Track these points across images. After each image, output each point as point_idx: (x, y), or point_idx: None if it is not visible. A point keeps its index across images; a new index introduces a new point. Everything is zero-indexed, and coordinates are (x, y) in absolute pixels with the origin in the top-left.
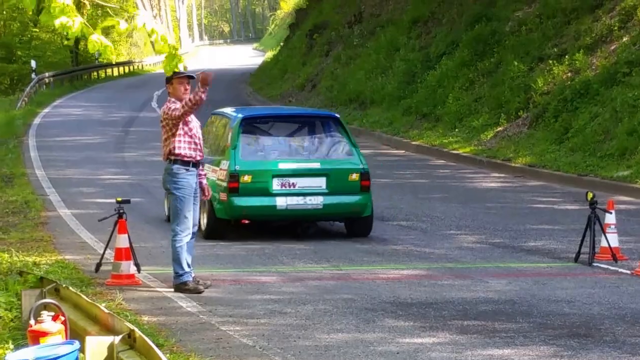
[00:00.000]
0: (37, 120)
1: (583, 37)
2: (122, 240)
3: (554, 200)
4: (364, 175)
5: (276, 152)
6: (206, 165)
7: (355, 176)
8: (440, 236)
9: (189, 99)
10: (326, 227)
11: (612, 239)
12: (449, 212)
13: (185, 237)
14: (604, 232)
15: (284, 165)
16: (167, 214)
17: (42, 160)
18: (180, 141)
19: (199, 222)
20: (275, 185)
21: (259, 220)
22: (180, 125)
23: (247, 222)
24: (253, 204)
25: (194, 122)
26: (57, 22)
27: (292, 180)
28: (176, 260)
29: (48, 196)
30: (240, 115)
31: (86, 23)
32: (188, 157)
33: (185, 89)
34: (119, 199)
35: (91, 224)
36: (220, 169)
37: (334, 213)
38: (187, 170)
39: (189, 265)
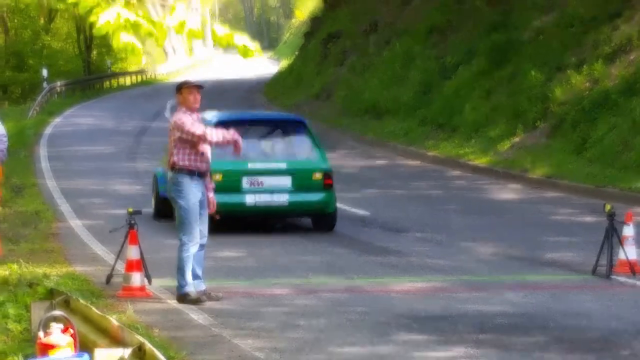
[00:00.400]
0: (48, 130)
1: (602, 46)
2: (133, 252)
3: (572, 212)
4: (327, 174)
5: (246, 153)
6: None
7: (318, 175)
8: (456, 248)
9: (221, 137)
10: (338, 238)
11: (630, 252)
12: (464, 223)
13: (192, 247)
14: (622, 245)
15: (252, 165)
16: (152, 210)
17: (53, 170)
18: (185, 151)
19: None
20: (245, 183)
21: (230, 216)
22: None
23: (218, 217)
24: (224, 200)
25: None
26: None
27: (260, 179)
28: (180, 270)
29: (59, 207)
30: (214, 119)
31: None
32: (192, 167)
33: (195, 99)
34: (130, 210)
35: (102, 235)
36: None
37: (299, 210)
38: (191, 179)
39: (200, 277)
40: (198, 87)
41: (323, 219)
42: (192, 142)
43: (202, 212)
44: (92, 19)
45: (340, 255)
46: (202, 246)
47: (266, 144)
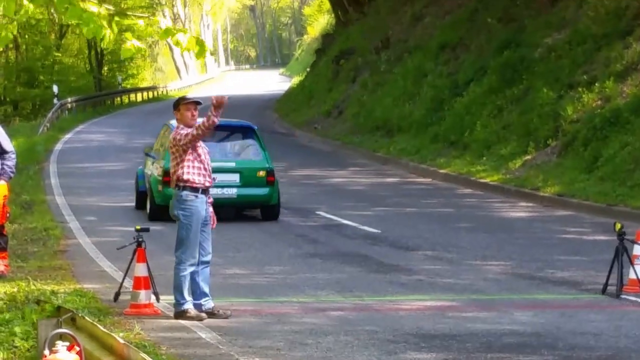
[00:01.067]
0: (58, 146)
1: (613, 64)
2: (140, 269)
3: (583, 230)
4: (269, 172)
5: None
6: (154, 164)
7: (262, 173)
8: (466, 266)
9: (203, 123)
10: (348, 257)
11: None
12: (475, 242)
13: (189, 266)
14: (632, 264)
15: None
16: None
17: (63, 187)
18: (189, 167)
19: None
20: None
21: None
22: (190, 151)
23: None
24: None
25: (202, 147)
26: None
27: (213, 175)
28: (178, 288)
29: (68, 224)
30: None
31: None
32: (197, 184)
33: (193, 115)
34: (138, 227)
35: (111, 252)
36: (159, 167)
37: (246, 202)
38: (196, 197)
39: (207, 294)
40: (195, 103)
41: (268, 210)
42: (195, 156)
43: (205, 229)
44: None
45: (349, 273)
46: (207, 263)
47: (220, 146)
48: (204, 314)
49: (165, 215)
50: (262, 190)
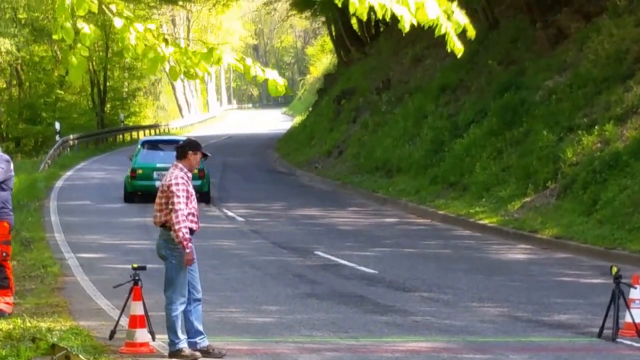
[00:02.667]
0: (59, 183)
1: (614, 107)
2: (137, 308)
3: (580, 273)
4: (201, 170)
5: (157, 157)
6: (129, 167)
7: (196, 171)
8: (463, 308)
9: (181, 236)
10: (344, 297)
11: (637, 315)
12: (472, 283)
13: (180, 305)
14: (629, 308)
15: (159, 165)
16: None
17: (63, 224)
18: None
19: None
20: (155, 175)
21: (145, 193)
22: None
23: (140, 193)
24: (143, 184)
25: (193, 194)
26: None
27: (163, 172)
28: (171, 328)
29: (67, 261)
30: (142, 139)
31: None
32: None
33: (198, 163)
34: (135, 266)
35: (108, 290)
36: (129, 168)
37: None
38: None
39: (202, 332)
40: (205, 156)
41: (202, 195)
42: (186, 202)
43: (193, 268)
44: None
45: (345, 313)
46: (199, 301)
47: (168, 154)
48: (198, 353)
49: (135, 198)
50: (197, 182)
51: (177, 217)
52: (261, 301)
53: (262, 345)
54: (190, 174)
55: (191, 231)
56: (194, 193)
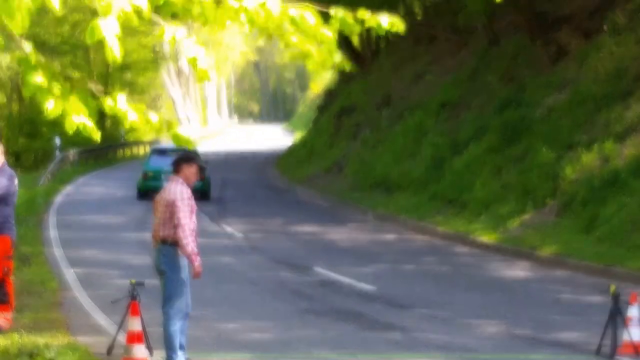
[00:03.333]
0: (58, 198)
1: (613, 125)
2: (134, 323)
3: (579, 291)
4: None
5: (164, 163)
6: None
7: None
8: (461, 325)
9: (190, 250)
10: (342, 314)
11: (635, 333)
12: (471, 301)
13: (179, 320)
14: (627, 326)
15: (166, 168)
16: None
17: (62, 239)
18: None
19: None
20: (162, 177)
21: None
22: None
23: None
24: (152, 184)
25: (195, 211)
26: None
27: (170, 174)
28: (169, 345)
29: (65, 276)
30: (152, 147)
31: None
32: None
33: (197, 178)
34: (133, 281)
35: (107, 305)
36: (141, 171)
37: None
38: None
39: (183, 347)
40: (202, 169)
41: (202, 193)
42: (190, 221)
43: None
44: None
45: (343, 330)
46: (186, 315)
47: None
48: None
49: (145, 196)
50: (198, 184)
51: (183, 231)
52: (259, 317)
53: None
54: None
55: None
56: (196, 208)
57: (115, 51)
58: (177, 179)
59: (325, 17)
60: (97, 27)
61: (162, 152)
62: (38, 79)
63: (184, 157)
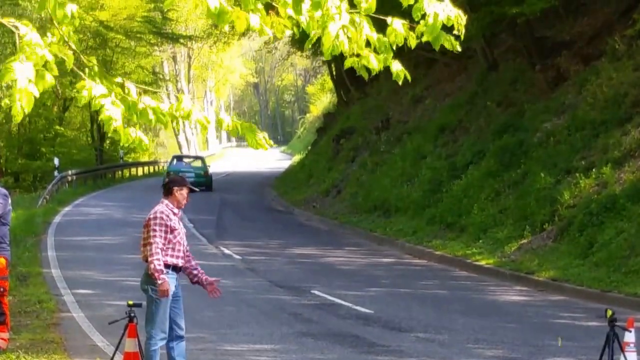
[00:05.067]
0: (57, 219)
1: (611, 150)
2: (131, 345)
3: (576, 316)
4: (206, 172)
5: (181, 165)
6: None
7: (203, 172)
8: (457, 349)
9: (153, 268)
10: (340, 337)
11: (631, 358)
12: (468, 324)
13: (160, 340)
14: (623, 351)
15: (183, 169)
16: None
17: (59, 259)
18: (167, 248)
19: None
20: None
21: None
22: (167, 236)
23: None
24: None
25: (180, 228)
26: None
27: (186, 174)
28: None
29: (62, 297)
30: (173, 155)
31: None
32: (169, 262)
33: (186, 200)
34: (130, 303)
35: (103, 326)
36: (166, 171)
37: (198, 183)
38: (166, 273)
39: None
40: (193, 191)
41: (206, 186)
42: (169, 238)
43: (176, 305)
44: (101, 117)
45: (340, 353)
46: (181, 338)
47: (189, 164)
48: None
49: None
50: (202, 179)
51: (151, 249)
52: (257, 339)
53: None
54: (177, 210)
55: (176, 267)
56: (179, 228)
57: (23, 102)
58: (162, 201)
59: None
60: (11, 70)
61: (180, 158)
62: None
63: (174, 180)
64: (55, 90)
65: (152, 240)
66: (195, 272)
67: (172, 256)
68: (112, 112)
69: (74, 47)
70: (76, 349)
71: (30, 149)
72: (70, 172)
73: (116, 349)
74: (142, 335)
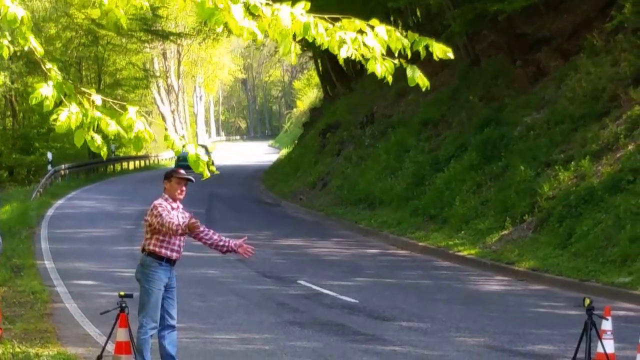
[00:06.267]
0: (50, 212)
1: (589, 144)
2: (122, 334)
3: (555, 304)
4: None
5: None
6: None
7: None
8: (440, 338)
9: (188, 226)
10: (325, 325)
11: (608, 346)
12: (451, 313)
13: (150, 329)
14: (600, 339)
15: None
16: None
17: (53, 251)
18: (162, 241)
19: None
20: (186, 160)
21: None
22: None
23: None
24: (180, 164)
25: (179, 222)
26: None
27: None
28: (139, 352)
29: (55, 288)
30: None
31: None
32: (163, 255)
33: (182, 191)
34: (122, 293)
35: (96, 316)
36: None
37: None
38: (159, 264)
39: (173, 357)
40: (188, 180)
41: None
42: (164, 232)
43: (170, 296)
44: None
45: (326, 341)
46: (172, 327)
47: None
48: None
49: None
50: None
51: (171, 225)
52: (245, 329)
53: None
54: (175, 204)
55: (171, 260)
56: (186, 216)
57: None
58: (163, 195)
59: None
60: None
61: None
62: (72, 108)
63: (165, 174)
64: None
65: (165, 220)
66: (221, 243)
67: (166, 249)
68: (62, 116)
69: (38, 48)
70: (69, 338)
71: (24, 144)
72: (63, 166)
73: (108, 339)
74: (134, 325)
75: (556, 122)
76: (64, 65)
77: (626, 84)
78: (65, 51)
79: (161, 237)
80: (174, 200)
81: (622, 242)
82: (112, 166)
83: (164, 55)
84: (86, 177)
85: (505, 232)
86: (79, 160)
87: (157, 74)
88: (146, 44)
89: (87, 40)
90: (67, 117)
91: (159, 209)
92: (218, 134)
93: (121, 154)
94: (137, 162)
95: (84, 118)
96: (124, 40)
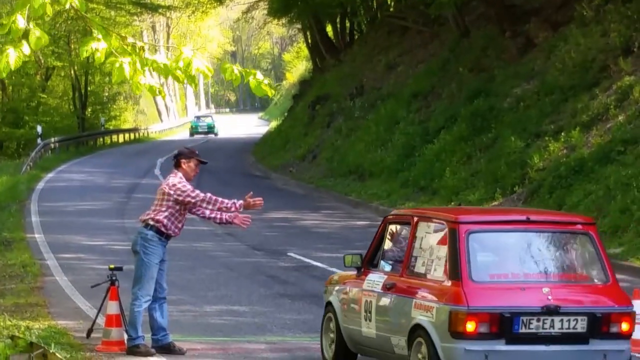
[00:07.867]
0: (40, 185)
1: (579, 114)
2: (113, 307)
3: None
4: (214, 124)
5: (199, 120)
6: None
7: (213, 125)
8: None
9: (226, 206)
10: (315, 298)
11: None
12: None
13: (145, 302)
14: None
15: (199, 123)
16: None
17: (43, 225)
18: (174, 216)
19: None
20: (198, 128)
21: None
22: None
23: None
24: (195, 131)
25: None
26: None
27: (202, 125)
28: (132, 324)
29: (46, 261)
30: (195, 115)
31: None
32: (167, 230)
33: (196, 173)
34: (112, 266)
35: (86, 290)
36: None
37: (211, 131)
38: (159, 239)
39: (165, 329)
40: (203, 163)
41: (215, 135)
42: (182, 208)
43: (162, 268)
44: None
45: (316, 313)
46: (164, 299)
47: (202, 121)
48: (152, 350)
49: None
50: (213, 128)
51: (208, 202)
52: (235, 301)
53: (235, 344)
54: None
55: (169, 236)
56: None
57: None
58: (176, 173)
59: None
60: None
61: (198, 117)
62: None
63: (182, 153)
64: (37, 58)
65: (200, 199)
66: (219, 217)
67: (174, 225)
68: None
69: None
70: (59, 311)
71: (13, 118)
72: (53, 140)
73: (98, 311)
74: (124, 297)
75: (546, 93)
76: (53, 39)
77: (616, 55)
78: (54, 25)
79: (176, 214)
80: (188, 180)
81: (612, 213)
82: (102, 139)
83: (153, 28)
84: (76, 150)
85: (496, 203)
86: (68, 134)
87: (147, 47)
88: (135, 17)
89: (76, 14)
90: (120, 67)
91: (181, 186)
92: (208, 106)
93: (111, 127)
94: (127, 135)
95: (140, 65)
96: (112, 13)
